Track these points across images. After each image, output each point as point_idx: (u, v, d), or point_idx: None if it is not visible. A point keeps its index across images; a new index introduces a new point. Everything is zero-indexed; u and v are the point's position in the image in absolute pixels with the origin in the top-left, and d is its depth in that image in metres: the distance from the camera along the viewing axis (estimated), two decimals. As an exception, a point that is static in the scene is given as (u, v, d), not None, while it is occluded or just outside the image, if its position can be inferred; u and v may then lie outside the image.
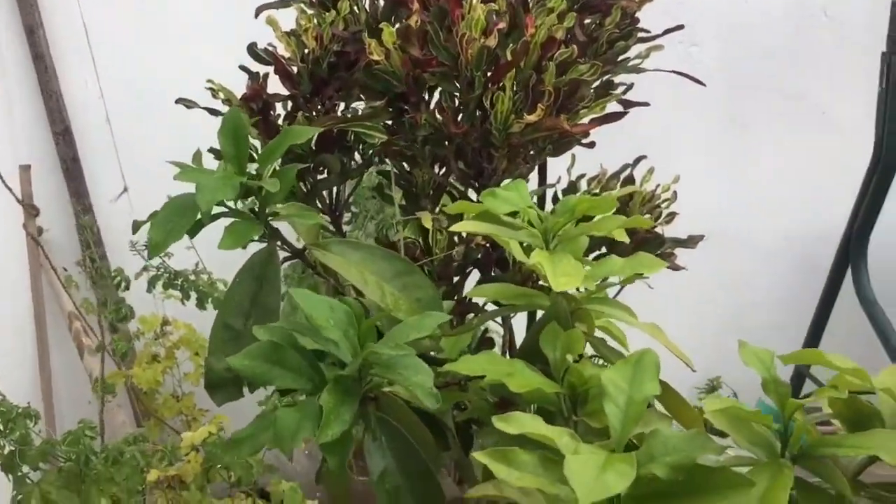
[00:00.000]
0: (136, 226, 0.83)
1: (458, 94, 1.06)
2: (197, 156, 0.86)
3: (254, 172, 0.81)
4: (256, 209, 0.82)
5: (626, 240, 0.90)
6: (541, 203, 1.34)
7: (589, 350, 0.85)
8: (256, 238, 0.80)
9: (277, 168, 0.83)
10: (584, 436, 0.73)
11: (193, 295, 1.98)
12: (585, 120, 1.10)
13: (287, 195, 1.15)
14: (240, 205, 0.84)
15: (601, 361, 0.89)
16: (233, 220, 0.79)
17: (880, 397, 0.65)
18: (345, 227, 1.48)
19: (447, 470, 1.03)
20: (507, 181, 1.19)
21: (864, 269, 2.08)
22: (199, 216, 0.74)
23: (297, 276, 1.78)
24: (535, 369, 0.76)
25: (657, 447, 0.61)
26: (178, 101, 1.22)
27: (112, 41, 2.12)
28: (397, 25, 1.05)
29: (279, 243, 0.84)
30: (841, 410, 0.64)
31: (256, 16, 1.22)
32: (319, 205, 1.24)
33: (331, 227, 1.26)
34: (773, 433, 0.65)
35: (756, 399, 2.48)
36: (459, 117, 1.06)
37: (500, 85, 1.02)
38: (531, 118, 1.01)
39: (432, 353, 0.87)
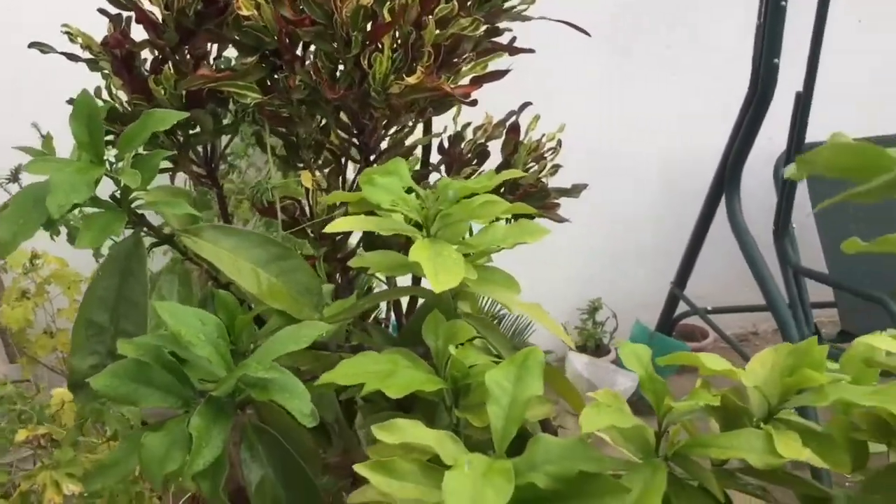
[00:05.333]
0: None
1: (335, 52, 1.00)
2: (48, 142, 0.79)
3: (112, 159, 0.74)
4: (119, 195, 0.75)
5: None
6: (426, 153, 1.31)
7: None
8: (120, 231, 0.74)
9: (140, 153, 0.76)
10: (467, 429, 0.73)
11: (64, 230, 1.87)
12: (467, 79, 1.06)
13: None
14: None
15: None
16: (92, 210, 0.73)
17: (749, 393, 0.68)
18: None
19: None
20: (392, 137, 1.16)
21: (737, 198, 2.16)
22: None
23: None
24: (417, 361, 0.75)
25: (539, 455, 0.62)
26: (32, 45, 1.11)
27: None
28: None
29: (145, 230, 0.79)
30: (714, 409, 0.66)
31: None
32: (194, 157, 1.17)
33: (206, 180, 1.20)
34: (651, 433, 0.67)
35: (634, 319, 2.59)
36: (339, 77, 1.01)
37: (379, 44, 0.98)
38: (411, 80, 0.97)
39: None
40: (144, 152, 0.76)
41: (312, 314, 0.79)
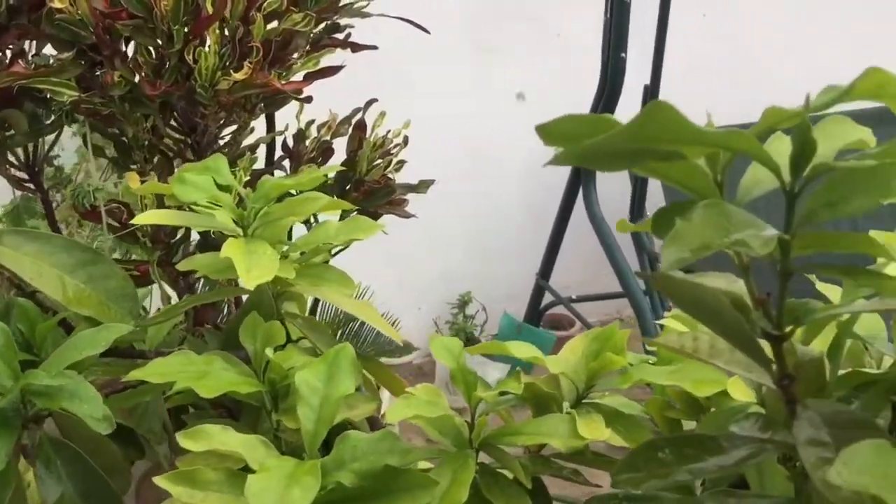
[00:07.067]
0: None
1: (159, 47, 0.97)
2: None
3: None
4: None
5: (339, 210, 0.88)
6: (270, 152, 1.29)
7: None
8: None
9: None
10: (287, 433, 0.72)
11: None
12: (300, 75, 1.05)
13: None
14: None
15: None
16: None
17: (561, 379, 0.69)
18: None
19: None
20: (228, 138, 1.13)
21: (593, 189, 2.22)
22: None
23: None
24: (235, 363, 0.73)
25: (346, 452, 0.61)
26: None
27: None
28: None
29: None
30: (525, 396, 0.68)
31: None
32: (14, 160, 1.11)
33: (29, 185, 1.14)
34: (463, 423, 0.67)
35: (503, 311, 2.63)
36: (163, 72, 0.98)
37: (203, 39, 0.95)
38: (238, 76, 0.95)
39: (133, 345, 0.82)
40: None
41: (126, 320, 0.76)
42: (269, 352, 0.72)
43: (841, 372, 0.51)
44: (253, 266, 0.69)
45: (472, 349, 0.70)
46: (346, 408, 0.75)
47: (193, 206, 0.76)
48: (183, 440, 0.62)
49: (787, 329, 0.42)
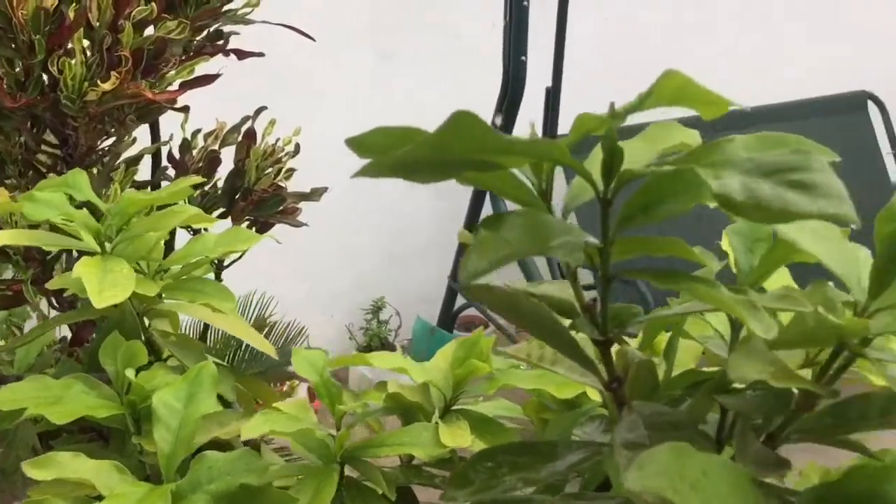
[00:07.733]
0: None
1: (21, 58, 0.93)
2: None
3: None
4: None
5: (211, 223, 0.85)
6: (156, 161, 1.25)
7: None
8: None
9: None
10: (150, 456, 0.70)
11: None
12: (176, 83, 1.02)
13: None
14: None
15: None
16: None
17: (427, 390, 0.69)
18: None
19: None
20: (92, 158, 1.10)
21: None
22: None
23: None
24: (96, 386, 0.71)
25: (203, 474, 0.60)
26: None
27: None
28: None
29: None
30: (391, 406, 0.67)
31: None
32: None
33: None
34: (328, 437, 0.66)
35: (416, 315, 2.62)
36: (27, 84, 0.94)
37: (69, 49, 0.92)
38: (106, 86, 0.92)
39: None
40: None
41: (-20, 345, 0.73)
42: (129, 373, 0.69)
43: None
44: (106, 285, 0.67)
45: (335, 361, 0.69)
46: (216, 426, 0.73)
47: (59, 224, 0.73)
48: (29, 469, 0.59)
49: (611, 333, 0.42)
